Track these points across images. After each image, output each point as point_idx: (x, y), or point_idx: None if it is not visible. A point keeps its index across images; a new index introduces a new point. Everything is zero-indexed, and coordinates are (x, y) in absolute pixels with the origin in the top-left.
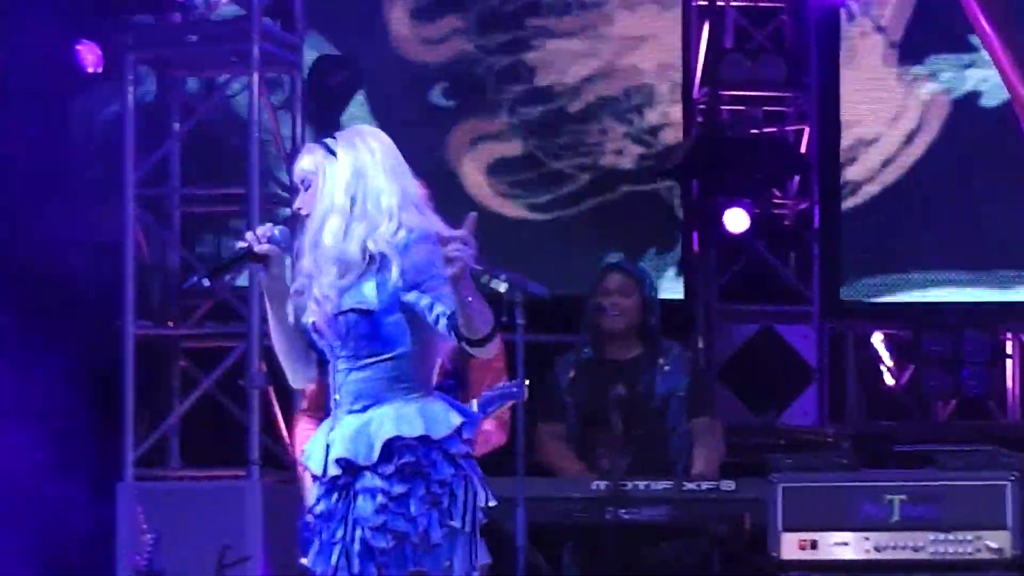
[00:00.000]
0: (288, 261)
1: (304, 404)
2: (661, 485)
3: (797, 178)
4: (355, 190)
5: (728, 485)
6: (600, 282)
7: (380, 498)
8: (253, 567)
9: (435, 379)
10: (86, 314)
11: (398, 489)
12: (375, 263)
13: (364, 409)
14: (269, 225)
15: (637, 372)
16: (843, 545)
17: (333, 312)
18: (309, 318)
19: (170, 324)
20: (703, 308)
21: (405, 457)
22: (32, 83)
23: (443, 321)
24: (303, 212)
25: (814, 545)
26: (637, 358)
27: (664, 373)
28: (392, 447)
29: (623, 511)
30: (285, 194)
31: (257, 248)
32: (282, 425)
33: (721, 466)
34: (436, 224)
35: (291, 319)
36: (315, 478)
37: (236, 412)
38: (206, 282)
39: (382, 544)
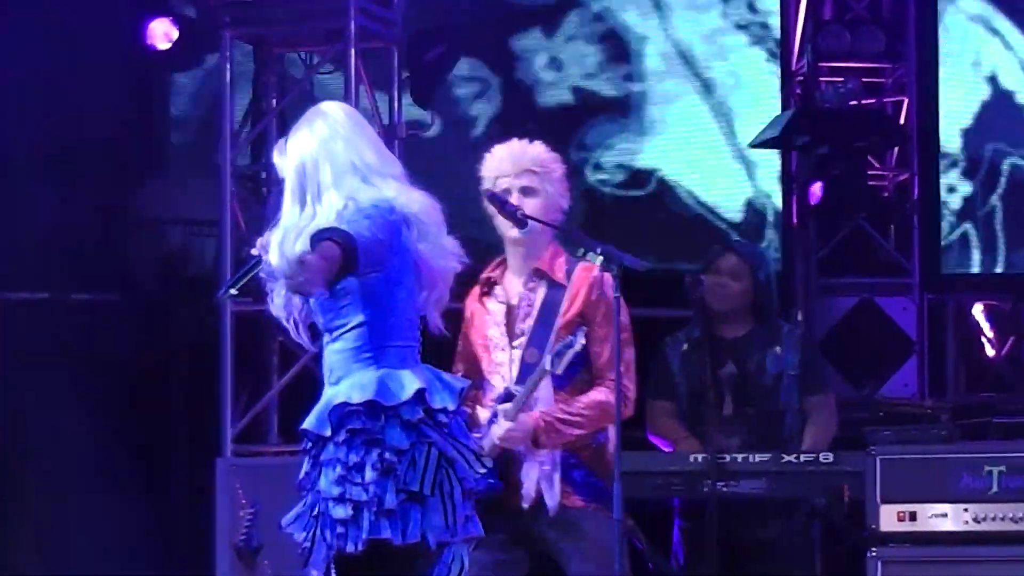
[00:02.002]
0: None
1: None
2: (759, 458)
3: (896, 150)
4: (302, 194)
5: (827, 457)
6: (714, 261)
7: (339, 469)
8: None
9: (412, 346)
10: (185, 292)
11: (353, 458)
12: None
13: (337, 381)
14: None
15: (747, 350)
16: (942, 517)
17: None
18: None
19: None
20: (802, 281)
21: (352, 423)
22: (116, 62)
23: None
24: None
25: (913, 517)
26: (746, 336)
27: (775, 352)
28: (340, 414)
29: (721, 484)
30: None
31: (265, 257)
32: None
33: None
34: (383, 193)
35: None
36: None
37: None
38: (234, 292)
39: (342, 514)
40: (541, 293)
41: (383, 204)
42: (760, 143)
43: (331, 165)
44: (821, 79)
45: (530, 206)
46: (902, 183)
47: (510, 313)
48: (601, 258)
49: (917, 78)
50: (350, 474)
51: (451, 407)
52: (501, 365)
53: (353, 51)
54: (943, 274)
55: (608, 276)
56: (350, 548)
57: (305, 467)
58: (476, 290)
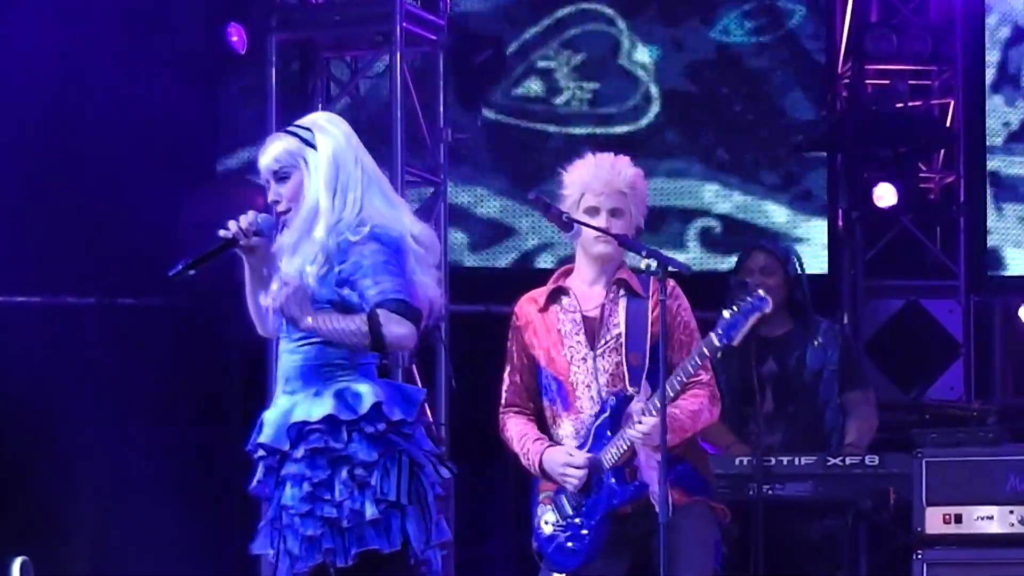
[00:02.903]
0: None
1: (502, 403)
2: (805, 460)
3: (942, 152)
4: (336, 183)
5: (872, 460)
6: (744, 262)
7: (306, 486)
8: None
9: (373, 363)
10: (237, 294)
11: (320, 476)
12: None
13: (292, 392)
14: (252, 215)
15: (787, 348)
16: (988, 519)
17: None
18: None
19: None
20: (849, 283)
21: (313, 442)
22: (184, 67)
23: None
24: (281, 207)
25: (958, 519)
26: (786, 334)
27: (816, 348)
28: (300, 431)
29: (767, 487)
30: (428, 175)
31: (243, 242)
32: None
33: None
34: (401, 217)
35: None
36: (253, 456)
37: None
38: (191, 272)
39: (311, 531)
40: (623, 303)
41: (390, 234)
42: (806, 145)
43: (362, 171)
44: (867, 81)
45: (616, 227)
46: (948, 185)
47: (586, 321)
48: (648, 260)
49: (964, 80)
50: (317, 491)
51: (409, 419)
52: (584, 379)
53: (399, 56)
54: (989, 276)
55: (670, 283)
56: (340, 563)
57: (259, 475)
58: (538, 299)
